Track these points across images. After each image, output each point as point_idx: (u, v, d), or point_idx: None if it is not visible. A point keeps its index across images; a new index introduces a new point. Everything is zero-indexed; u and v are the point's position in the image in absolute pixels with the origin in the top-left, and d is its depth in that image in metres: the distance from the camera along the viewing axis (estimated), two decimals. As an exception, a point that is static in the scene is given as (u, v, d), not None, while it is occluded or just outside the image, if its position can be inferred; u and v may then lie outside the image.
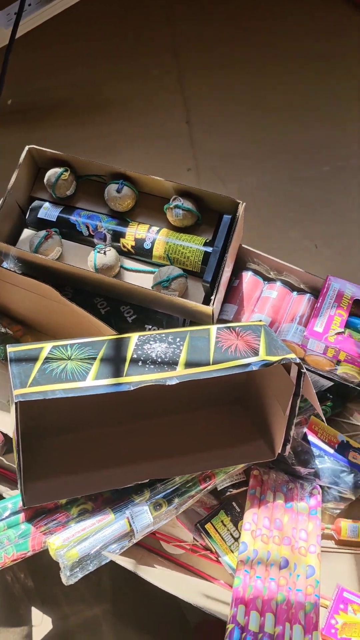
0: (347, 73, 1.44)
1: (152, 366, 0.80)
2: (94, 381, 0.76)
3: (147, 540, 1.02)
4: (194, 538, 1.00)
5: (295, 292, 1.05)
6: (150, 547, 1.01)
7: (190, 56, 1.49)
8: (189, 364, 0.81)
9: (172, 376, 0.78)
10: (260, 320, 0.98)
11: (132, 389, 0.76)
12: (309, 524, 0.95)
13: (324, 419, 0.94)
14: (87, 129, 1.42)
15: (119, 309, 1.04)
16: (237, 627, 0.78)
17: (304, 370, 0.84)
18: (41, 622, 1.00)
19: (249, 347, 0.85)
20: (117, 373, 0.78)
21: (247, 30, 1.51)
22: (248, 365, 0.82)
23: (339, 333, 0.94)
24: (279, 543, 0.90)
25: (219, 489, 1.02)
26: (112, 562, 0.87)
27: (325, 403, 1.08)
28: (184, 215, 0.98)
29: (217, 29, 1.52)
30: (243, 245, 1.05)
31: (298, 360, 0.83)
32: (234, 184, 1.36)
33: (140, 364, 0.80)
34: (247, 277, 1.06)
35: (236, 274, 1.07)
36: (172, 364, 0.81)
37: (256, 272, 1.07)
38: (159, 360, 0.81)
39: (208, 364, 0.82)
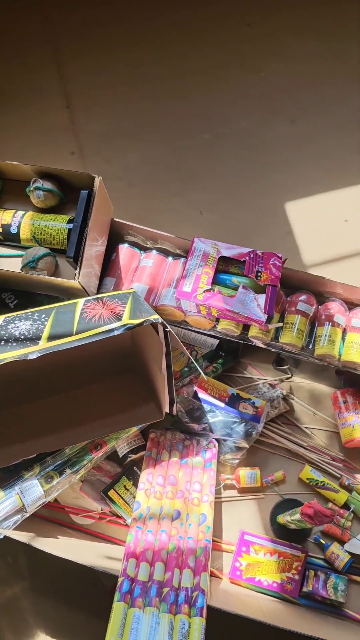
0: (217, 40, 1.46)
1: (14, 344, 0.82)
2: None
3: (58, 515, 1.05)
4: (101, 507, 1.03)
5: (170, 258, 1.08)
6: (60, 521, 1.05)
7: (66, 40, 1.49)
8: (52, 337, 0.84)
9: (33, 351, 0.81)
10: (131, 288, 1.00)
11: (-8, 368, 0.78)
12: (203, 476, 0.99)
13: (203, 375, 0.97)
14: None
15: (0, 296, 1.06)
16: (126, 579, 0.81)
17: (168, 329, 0.87)
18: None
19: (113, 314, 0.88)
20: (-22, 355, 0.80)
21: (118, 9, 1.52)
22: (111, 331, 0.84)
23: (207, 290, 0.97)
24: (172, 497, 0.94)
25: (120, 456, 1.05)
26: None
27: (216, 361, 1.12)
28: (45, 196, 0.99)
29: (91, 10, 1.53)
30: (116, 219, 1.07)
31: (160, 320, 0.86)
32: (118, 162, 1.38)
33: (2, 343, 0.82)
34: (124, 249, 1.08)
35: (113, 247, 1.09)
36: (35, 339, 0.83)
37: (132, 244, 1.09)
38: (22, 337, 0.83)
39: (71, 335, 0.84)
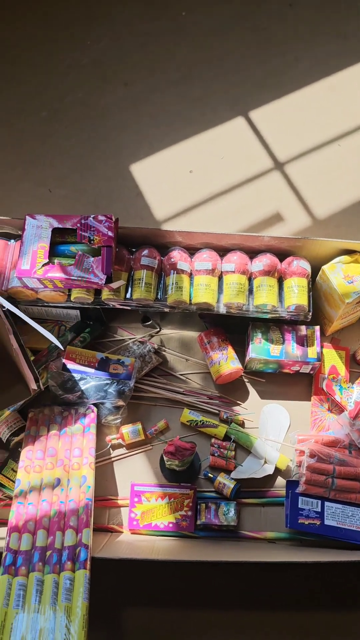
0: (40, 15, 1.45)
1: None
2: None
3: None
4: (-5, 494, 1.05)
5: (12, 241, 1.09)
6: None
7: None
8: None
9: None
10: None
11: None
12: (83, 441, 1.02)
13: (59, 345, 0.99)
14: None
15: None
16: (9, 553, 0.84)
17: (5, 308, 0.89)
18: None
19: None
20: None
21: None
22: None
23: (45, 264, 0.99)
24: (52, 467, 0.97)
25: (4, 441, 1.07)
26: None
27: (84, 330, 1.14)
28: None
29: None
30: None
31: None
32: None
33: None
34: (-35, 240, 1.08)
35: None
36: None
37: (-27, 234, 1.09)
38: None
39: None
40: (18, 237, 1.09)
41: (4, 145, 1.37)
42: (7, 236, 1.09)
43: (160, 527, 1.02)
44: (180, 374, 1.15)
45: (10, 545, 0.85)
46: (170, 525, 1.02)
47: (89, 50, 1.46)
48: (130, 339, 1.16)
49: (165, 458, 0.94)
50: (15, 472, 1.03)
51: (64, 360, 1.09)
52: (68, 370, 1.08)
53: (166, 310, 1.05)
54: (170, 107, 1.40)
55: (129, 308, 1.06)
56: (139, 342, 1.15)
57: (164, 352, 1.16)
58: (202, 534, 1.03)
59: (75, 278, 0.97)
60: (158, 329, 1.17)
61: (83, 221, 1.00)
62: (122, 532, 1.03)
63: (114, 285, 1.00)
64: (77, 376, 1.08)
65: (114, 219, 1.01)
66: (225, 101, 1.40)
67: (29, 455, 0.99)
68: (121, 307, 1.07)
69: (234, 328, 1.14)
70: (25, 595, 0.79)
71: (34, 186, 1.33)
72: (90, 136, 1.38)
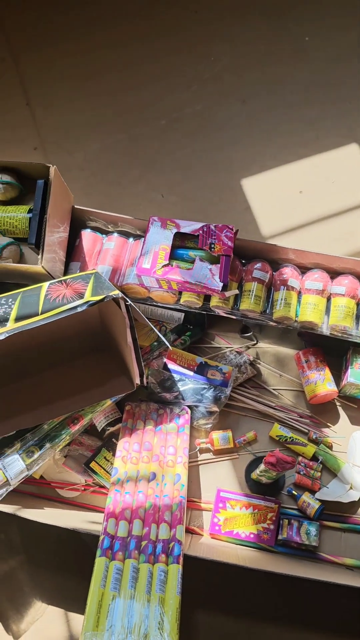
0: (167, 29, 1.51)
1: (-17, 327, 0.88)
2: None
3: (45, 491, 1.11)
4: (84, 479, 1.09)
5: (131, 239, 1.14)
6: (48, 496, 1.10)
7: (21, 39, 1.54)
8: (19, 319, 0.89)
9: (1, 332, 0.86)
10: (94, 269, 1.06)
11: None
12: (177, 440, 1.05)
13: (169, 345, 1.03)
14: None
15: (-30, 288, 1.11)
16: (107, 537, 0.87)
17: (129, 303, 0.93)
18: None
19: (75, 293, 0.93)
20: None
21: (67, 2, 1.57)
22: (74, 308, 0.90)
23: (165, 265, 1.03)
24: (148, 461, 1.00)
25: (99, 430, 1.11)
26: (18, 518, 0.95)
27: (184, 333, 1.18)
28: (5, 188, 1.04)
29: (40, 8, 1.57)
30: (77, 206, 1.13)
31: (121, 295, 0.91)
32: (79, 153, 1.43)
33: (-28, 327, 0.88)
34: (86, 234, 1.14)
35: (77, 234, 1.14)
36: (2, 321, 0.89)
37: (94, 229, 1.15)
38: (-10, 321, 0.89)
39: (37, 315, 0.89)
40: (136, 237, 1.14)
41: (124, 148, 1.43)
42: (127, 235, 1.14)
43: (242, 536, 1.03)
44: (273, 389, 1.16)
45: (107, 530, 0.88)
46: (252, 535, 1.03)
47: (211, 66, 1.50)
48: (227, 347, 1.19)
49: (262, 467, 0.96)
50: (108, 460, 1.07)
51: (165, 360, 1.12)
52: (168, 370, 1.11)
53: (271, 324, 1.07)
54: (285, 127, 1.43)
55: (234, 317, 1.09)
56: (236, 352, 1.17)
57: (258, 365, 1.18)
58: (281, 549, 1.03)
59: (193, 282, 1.01)
60: (255, 341, 1.19)
61: (205, 229, 1.04)
62: (202, 535, 1.05)
63: (228, 293, 1.03)
64: (176, 377, 1.11)
65: (234, 230, 1.04)
66: (341, 127, 1.42)
67: (125, 446, 1.03)
68: (226, 315, 1.09)
69: (330, 350, 1.14)
70: (121, 580, 0.82)
71: (146, 190, 1.38)
72: (204, 148, 1.42)
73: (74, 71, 1.52)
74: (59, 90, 1.51)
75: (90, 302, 0.90)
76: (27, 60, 1.54)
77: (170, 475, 0.98)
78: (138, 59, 1.52)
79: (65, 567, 1.09)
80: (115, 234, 1.13)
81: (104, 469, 1.06)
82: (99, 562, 0.83)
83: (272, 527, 1.03)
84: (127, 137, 1.44)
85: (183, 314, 1.15)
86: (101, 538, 0.87)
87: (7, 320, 0.89)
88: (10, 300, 0.93)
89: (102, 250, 1.13)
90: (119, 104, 1.48)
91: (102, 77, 1.51)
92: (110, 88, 1.49)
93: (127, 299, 0.92)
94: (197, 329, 1.19)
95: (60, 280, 0.97)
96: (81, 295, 0.92)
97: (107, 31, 1.55)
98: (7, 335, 0.85)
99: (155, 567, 0.84)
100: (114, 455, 1.07)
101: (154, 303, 1.12)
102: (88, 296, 0.92)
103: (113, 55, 1.53)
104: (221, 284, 1.00)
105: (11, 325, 0.88)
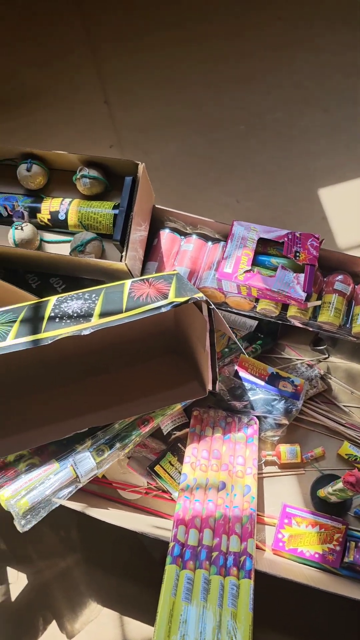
0: (250, 34, 1.50)
1: (68, 321, 0.87)
2: (13, 340, 0.83)
3: (106, 491, 1.10)
4: (147, 482, 1.08)
5: (210, 242, 1.12)
6: (109, 496, 1.09)
7: (103, 38, 1.55)
8: (103, 315, 0.88)
9: (87, 327, 0.85)
10: (174, 270, 1.05)
11: (50, 342, 0.83)
12: (246, 450, 1.03)
13: (244, 353, 1.01)
14: (9, 123, 1.47)
15: (49, 281, 1.11)
16: (177, 544, 0.85)
17: (212, 307, 0.91)
18: (17, 579, 1.08)
19: (159, 293, 0.92)
20: (36, 331, 0.85)
21: (150, 7, 1.57)
22: (159, 308, 0.88)
23: (247, 271, 1.01)
24: (217, 470, 0.98)
25: (165, 434, 1.10)
26: (78, 517, 0.94)
27: (255, 342, 1.15)
28: (91, 183, 1.04)
29: (126, 11, 1.58)
30: (157, 206, 1.12)
31: (205, 298, 0.90)
32: (155, 154, 1.43)
33: (57, 320, 0.87)
34: (165, 234, 1.13)
35: (155, 233, 1.13)
36: (87, 316, 0.88)
37: (173, 229, 1.14)
38: (75, 315, 0.88)
39: (121, 313, 0.88)
40: (215, 240, 1.12)
41: (201, 150, 1.41)
42: (205, 237, 1.12)
43: (306, 554, 0.99)
44: (344, 405, 1.13)
45: (177, 537, 0.86)
46: (316, 555, 0.99)
47: (293, 73, 1.48)
48: (298, 360, 1.16)
49: (338, 486, 0.92)
50: (172, 465, 1.05)
51: (237, 367, 1.10)
52: (239, 378, 1.09)
53: (350, 338, 1.04)
54: (366, 139, 1.39)
55: (310, 329, 1.06)
56: (307, 364, 1.14)
57: (329, 380, 1.15)
58: (345, 572, 1.00)
59: (275, 290, 0.98)
60: (327, 355, 1.16)
61: (290, 236, 1.01)
62: (264, 551, 1.02)
63: (310, 304, 1.00)
64: (247, 385, 1.08)
65: (320, 239, 1.01)
66: None
67: (194, 452, 1.01)
68: (302, 326, 1.06)
69: None
70: (192, 590, 0.80)
71: (221, 194, 1.36)
72: (283, 155, 1.40)
73: (154, 74, 1.52)
74: (138, 92, 1.51)
75: (175, 303, 0.88)
76: (109, 60, 1.55)
77: (240, 486, 0.96)
78: (219, 64, 1.51)
79: (122, 571, 1.07)
80: (194, 236, 1.12)
81: (169, 474, 1.04)
82: (170, 569, 0.81)
83: (338, 548, 0.99)
84: (205, 140, 1.43)
85: (257, 321, 1.13)
86: (171, 545, 0.85)
87: (91, 315, 0.88)
88: (94, 295, 0.92)
89: (180, 251, 1.11)
90: (197, 107, 1.47)
91: (181, 80, 1.50)
92: (189, 91, 1.49)
93: (211, 303, 0.90)
94: (268, 338, 1.16)
95: (143, 279, 0.96)
96: (165, 296, 0.91)
97: (188, 39, 1.54)
98: (92, 330, 0.84)
99: (226, 580, 0.82)
100: (179, 460, 1.05)
101: (228, 308, 1.11)
102: (172, 297, 0.90)
103: (193, 60, 1.52)
104: (304, 294, 0.97)
105: (96, 321, 0.87)
